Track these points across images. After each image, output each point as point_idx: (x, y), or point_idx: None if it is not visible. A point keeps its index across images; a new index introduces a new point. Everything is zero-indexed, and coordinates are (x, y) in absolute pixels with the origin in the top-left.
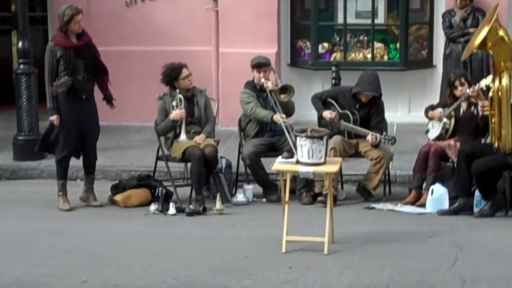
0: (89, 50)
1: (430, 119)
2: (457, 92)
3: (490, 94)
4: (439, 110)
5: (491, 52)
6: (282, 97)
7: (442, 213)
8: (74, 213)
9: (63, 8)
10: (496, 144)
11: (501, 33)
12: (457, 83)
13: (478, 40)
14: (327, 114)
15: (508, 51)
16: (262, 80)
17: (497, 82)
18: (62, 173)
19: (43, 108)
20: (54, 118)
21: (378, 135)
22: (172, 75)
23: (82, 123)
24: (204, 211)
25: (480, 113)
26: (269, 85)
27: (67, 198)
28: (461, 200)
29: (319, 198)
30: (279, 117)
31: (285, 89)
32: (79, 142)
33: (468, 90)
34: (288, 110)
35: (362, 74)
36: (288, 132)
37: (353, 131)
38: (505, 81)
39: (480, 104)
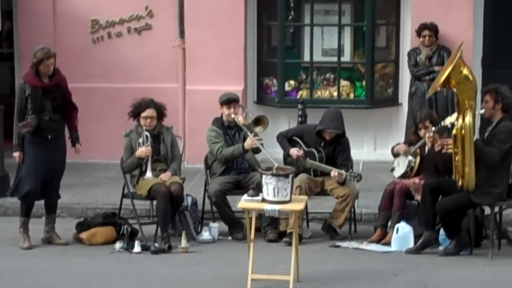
0: (59, 91)
1: (396, 156)
2: (421, 133)
3: (454, 132)
4: (402, 145)
5: (455, 90)
6: (257, 129)
7: (409, 251)
8: (39, 250)
9: (36, 49)
10: (460, 183)
11: (465, 71)
12: (421, 125)
13: (442, 78)
14: (294, 151)
15: (471, 90)
16: (233, 115)
17: (460, 120)
18: (25, 211)
19: (8, 144)
20: (16, 155)
21: (342, 171)
22: (136, 110)
23: (47, 163)
24: (169, 249)
25: (442, 150)
26: (240, 119)
27: (28, 236)
28: (425, 234)
29: (285, 239)
30: (250, 141)
31: (259, 120)
32: (43, 181)
33: (426, 135)
34: (257, 150)
35: (325, 111)
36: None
37: (318, 168)
38: (468, 119)
39: (439, 142)
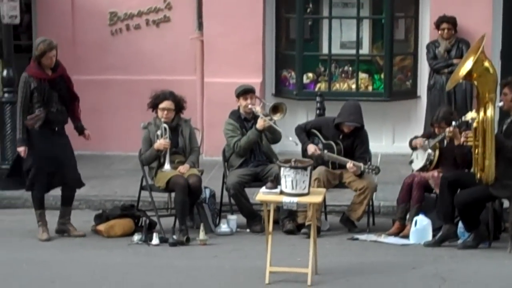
0: (63, 82)
1: (414, 149)
2: (436, 131)
3: (475, 125)
4: (420, 140)
5: (476, 83)
6: (276, 117)
7: (428, 244)
8: (57, 242)
9: (38, 41)
10: (478, 175)
11: (486, 64)
12: (436, 125)
13: (463, 70)
14: (311, 148)
15: (492, 82)
16: (250, 106)
17: (481, 113)
18: (38, 203)
19: None
20: (22, 149)
21: (360, 164)
22: (154, 101)
23: (56, 155)
24: (187, 241)
25: (462, 141)
26: (258, 109)
27: (47, 228)
28: (444, 228)
29: (303, 230)
30: (261, 121)
31: (277, 108)
32: (54, 174)
33: (446, 130)
34: (275, 136)
35: (344, 104)
36: (274, 124)
37: (336, 161)
38: (489, 112)
39: (463, 135)
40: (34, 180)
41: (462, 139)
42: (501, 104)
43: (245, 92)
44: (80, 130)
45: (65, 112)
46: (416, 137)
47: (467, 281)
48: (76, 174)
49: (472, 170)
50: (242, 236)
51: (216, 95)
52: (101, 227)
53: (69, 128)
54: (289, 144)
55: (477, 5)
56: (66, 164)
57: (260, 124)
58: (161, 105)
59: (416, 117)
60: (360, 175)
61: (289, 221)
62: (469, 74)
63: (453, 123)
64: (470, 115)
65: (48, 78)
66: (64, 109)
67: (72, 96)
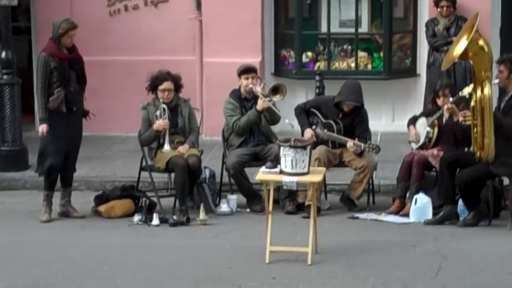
0: (80, 63)
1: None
2: (439, 102)
3: (472, 103)
4: (415, 131)
5: (471, 62)
6: (276, 98)
7: (428, 222)
8: (57, 224)
9: (60, 20)
10: (478, 154)
11: (481, 42)
12: (440, 93)
13: (458, 50)
14: (308, 134)
15: (488, 60)
16: (250, 85)
17: (479, 92)
18: (49, 185)
19: (26, 118)
20: (44, 126)
21: (361, 143)
22: (153, 83)
23: (70, 135)
24: (187, 221)
25: (461, 121)
26: (258, 89)
27: (50, 209)
28: (446, 208)
29: (302, 214)
30: (261, 101)
31: (277, 89)
32: (68, 156)
33: (444, 106)
34: (274, 118)
35: (344, 83)
36: (273, 105)
37: (336, 140)
38: (487, 90)
39: (461, 114)
40: (48, 161)
41: (461, 118)
42: (497, 81)
43: (247, 71)
44: (85, 113)
45: (81, 92)
46: (414, 117)
47: (467, 259)
48: (75, 159)
49: (471, 149)
50: (242, 216)
51: (215, 75)
52: (101, 208)
53: None
54: (288, 124)
55: None
56: (74, 147)
57: (260, 105)
58: (161, 87)
59: (415, 95)
60: (360, 154)
61: (290, 202)
62: (464, 53)
63: (451, 99)
64: (467, 90)
65: (67, 57)
66: (80, 89)
67: (85, 77)
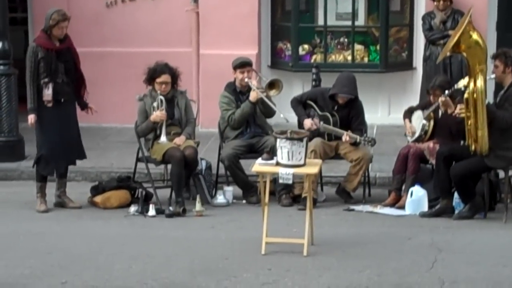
0: (70, 54)
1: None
2: (431, 99)
3: (466, 96)
4: (410, 124)
5: (465, 54)
6: (272, 93)
7: (423, 215)
8: (54, 214)
9: (51, 11)
10: (473, 147)
11: (474, 36)
12: (431, 92)
13: (450, 43)
14: (308, 123)
15: (482, 54)
16: (246, 79)
17: (472, 85)
18: (40, 177)
19: (23, 109)
20: (31, 117)
21: (357, 136)
22: (151, 76)
23: (59, 126)
24: (184, 212)
25: (456, 113)
26: (254, 83)
27: (45, 200)
28: (442, 202)
29: (299, 206)
30: (254, 93)
31: (273, 84)
32: (62, 147)
33: (439, 99)
34: (268, 110)
35: (338, 76)
36: (269, 99)
37: (332, 132)
38: (479, 82)
39: (458, 107)
40: (40, 153)
41: (456, 110)
42: (493, 76)
43: (242, 65)
44: (84, 106)
45: (71, 84)
46: (410, 108)
47: (463, 251)
48: (80, 146)
49: (466, 142)
50: (238, 207)
51: (211, 67)
52: (98, 198)
53: None
54: (284, 115)
55: None
56: (71, 136)
57: (253, 96)
58: (159, 79)
59: (411, 89)
60: (355, 144)
61: (286, 195)
62: (458, 46)
63: (446, 92)
64: (462, 83)
65: (56, 48)
66: (69, 81)
67: (78, 73)
